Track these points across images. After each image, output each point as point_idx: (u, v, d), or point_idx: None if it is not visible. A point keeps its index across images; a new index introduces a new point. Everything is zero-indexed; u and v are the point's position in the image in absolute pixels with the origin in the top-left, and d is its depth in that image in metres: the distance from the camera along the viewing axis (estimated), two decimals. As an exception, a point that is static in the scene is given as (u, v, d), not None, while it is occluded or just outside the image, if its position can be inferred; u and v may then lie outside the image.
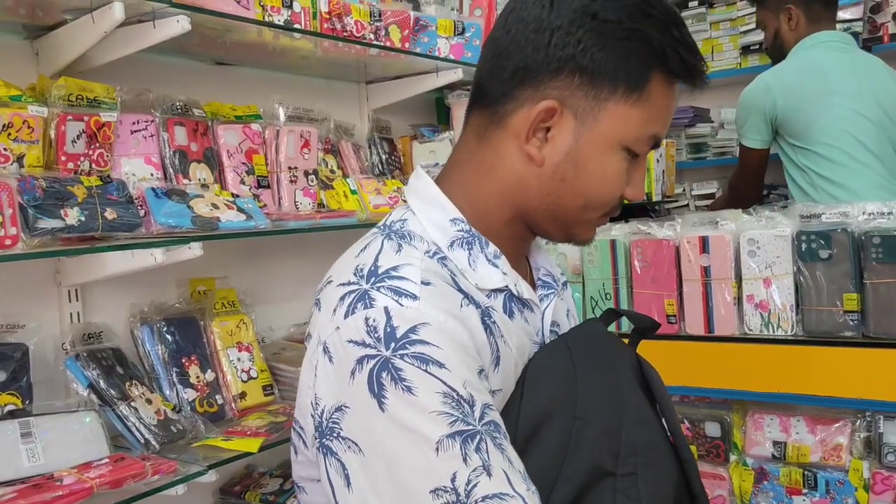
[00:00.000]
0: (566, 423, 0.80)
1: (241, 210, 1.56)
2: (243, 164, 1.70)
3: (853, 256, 1.52)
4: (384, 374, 0.71)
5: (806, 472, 1.59)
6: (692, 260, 1.69)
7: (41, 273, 1.50)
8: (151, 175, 1.54)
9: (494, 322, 0.83)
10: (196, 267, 1.69)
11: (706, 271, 1.68)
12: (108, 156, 1.46)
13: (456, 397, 0.71)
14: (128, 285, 1.61)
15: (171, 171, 1.58)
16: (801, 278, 1.58)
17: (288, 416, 1.57)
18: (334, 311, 0.77)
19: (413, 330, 0.73)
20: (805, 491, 1.59)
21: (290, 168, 1.78)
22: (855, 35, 3.48)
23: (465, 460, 0.70)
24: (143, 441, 1.39)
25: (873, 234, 1.50)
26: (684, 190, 4.02)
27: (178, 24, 1.41)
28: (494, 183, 0.86)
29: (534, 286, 0.95)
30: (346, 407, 0.74)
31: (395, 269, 0.78)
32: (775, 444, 1.63)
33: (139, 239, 1.37)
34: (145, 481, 1.26)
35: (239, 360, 1.67)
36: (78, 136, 1.39)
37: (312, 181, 1.82)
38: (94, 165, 1.42)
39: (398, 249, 0.82)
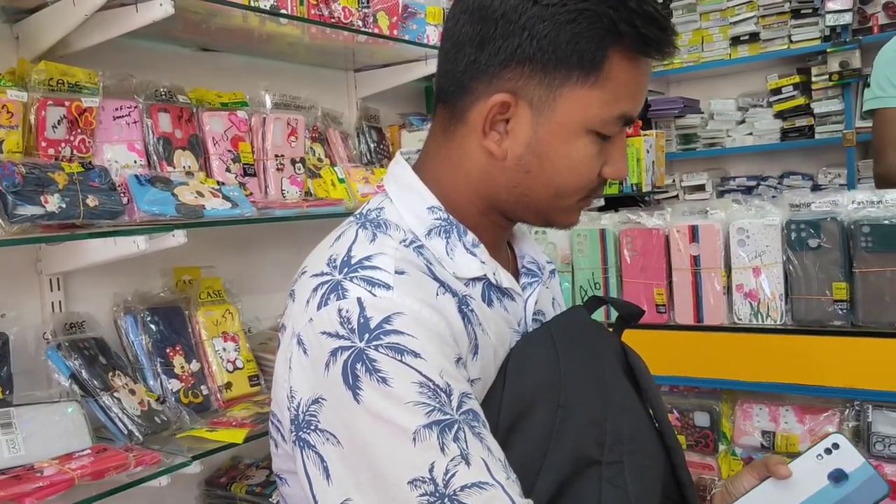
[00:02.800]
0: (549, 412, 0.79)
1: (226, 198, 1.54)
2: (229, 151, 1.68)
3: (842, 245, 1.52)
4: (358, 366, 0.70)
5: (794, 462, 1.59)
6: (682, 249, 1.69)
7: (22, 261, 1.47)
8: (135, 162, 1.51)
9: (472, 310, 0.81)
10: (181, 256, 1.67)
11: (696, 261, 1.67)
12: (89, 142, 1.43)
13: (432, 387, 0.70)
14: (111, 274, 1.59)
15: (154, 158, 1.55)
16: (791, 267, 1.57)
17: (274, 407, 1.56)
18: (307, 302, 0.76)
19: (387, 320, 0.71)
20: (793, 480, 1.59)
21: (276, 156, 1.76)
22: (844, 26, 3.49)
23: (442, 450, 0.69)
24: (126, 432, 1.37)
25: (862, 222, 1.49)
26: (674, 181, 4.03)
27: (160, 8, 1.38)
28: (462, 177, 0.84)
29: (517, 274, 0.94)
30: (322, 399, 0.72)
31: (368, 258, 0.77)
32: (764, 433, 1.62)
33: (122, 226, 1.35)
34: (128, 472, 1.24)
35: (224, 350, 1.65)
36: (59, 121, 1.37)
37: (300, 169, 1.80)
38: (75, 151, 1.40)
39: (372, 239, 0.80)
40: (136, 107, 1.54)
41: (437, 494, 0.68)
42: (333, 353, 0.71)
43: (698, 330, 1.68)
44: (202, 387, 1.58)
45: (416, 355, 0.71)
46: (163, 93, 1.60)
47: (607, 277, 1.81)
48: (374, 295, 0.73)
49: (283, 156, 1.77)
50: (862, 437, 1.52)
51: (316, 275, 0.78)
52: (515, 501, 0.70)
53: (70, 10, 1.37)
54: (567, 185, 0.82)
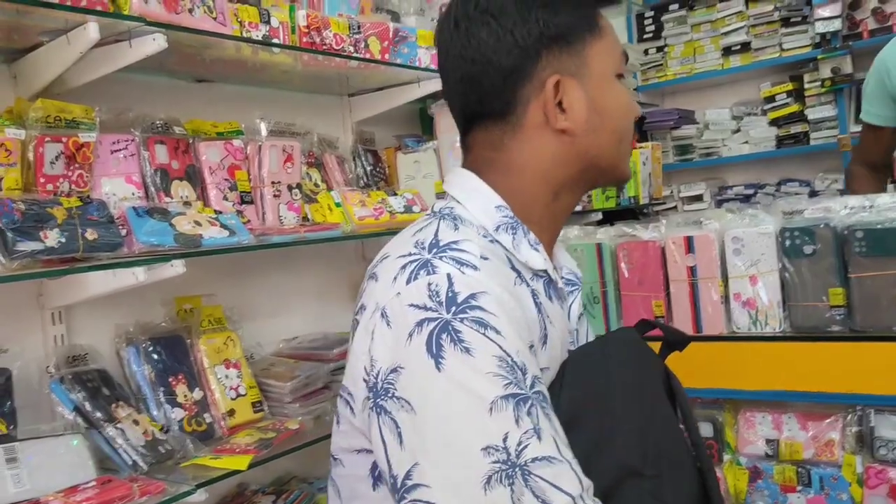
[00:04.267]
0: (599, 420, 0.84)
1: (224, 226, 1.55)
2: (226, 180, 1.70)
3: (837, 251, 1.52)
4: (444, 336, 0.74)
5: (800, 469, 1.59)
6: (678, 260, 1.69)
7: (24, 296, 1.49)
8: (133, 194, 1.53)
9: (541, 303, 0.88)
10: (181, 285, 1.68)
11: (692, 271, 1.68)
12: (87, 176, 1.45)
13: (510, 363, 0.75)
14: (112, 306, 1.60)
15: (152, 189, 1.57)
16: (787, 275, 1.58)
17: (277, 432, 1.56)
18: (395, 279, 0.80)
19: (473, 296, 0.76)
20: (799, 488, 1.59)
21: (273, 183, 1.77)
22: (834, 33, 3.51)
23: (517, 422, 0.73)
24: (130, 463, 1.38)
25: (856, 228, 1.50)
26: (672, 192, 4.04)
27: (154, 43, 1.41)
28: (528, 178, 0.91)
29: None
30: (401, 368, 0.76)
31: (455, 242, 0.82)
32: (768, 441, 1.62)
33: (121, 258, 1.36)
34: (133, 503, 1.25)
35: (227, 377, 1.66)
36: (56, 157, 1.39)
37: (296, 195, 1.82)
38: (73, 186, 1.42)
39: (455, 228, 0.86)
40: (132, 140, 1.56)
41: (509, 463, 0.71)
42: (419, 323, 0.76)
43: (698, 340, 1.67)
44: (205, 415, 1.59)
45: (498, 331, 0.75)
46: (159, 125, 1.62)
47: (605, 291, 1.81)
48: (463, 273, 0.78)
49: (279, 182, 1.79)
50: (865, 443, 1.52)
51: (403, 255, 0.83)
52: (581, 479, 0.74)
53: (65, 49, 1.39)
54: (625, 127, 0.94)
